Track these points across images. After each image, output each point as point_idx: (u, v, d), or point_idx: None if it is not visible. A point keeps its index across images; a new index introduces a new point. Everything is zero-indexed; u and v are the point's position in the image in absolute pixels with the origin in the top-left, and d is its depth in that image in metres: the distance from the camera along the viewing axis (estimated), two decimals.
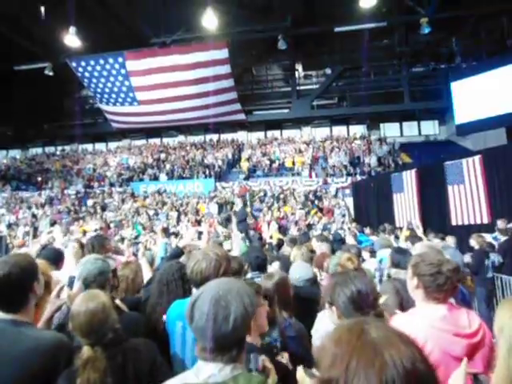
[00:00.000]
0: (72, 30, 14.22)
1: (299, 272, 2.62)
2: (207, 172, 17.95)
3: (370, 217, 12.68)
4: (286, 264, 3.36)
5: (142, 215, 14.36)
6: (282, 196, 15.42)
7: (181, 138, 23.15)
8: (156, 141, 23.42)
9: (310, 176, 16.80)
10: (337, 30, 16.01)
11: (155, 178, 18.33)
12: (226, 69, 16.38)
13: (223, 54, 15.60)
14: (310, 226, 12.84)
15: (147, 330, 2.10)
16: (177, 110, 18.06)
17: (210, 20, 14.05)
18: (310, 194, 15.33)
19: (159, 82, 16.61)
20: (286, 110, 20.90)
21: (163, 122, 19.35)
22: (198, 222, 14.03)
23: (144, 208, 15.07)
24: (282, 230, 11.94)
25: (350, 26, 15.98)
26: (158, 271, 2.64)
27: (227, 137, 22.28)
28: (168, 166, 18.90)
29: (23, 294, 1.64)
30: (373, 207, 12.69)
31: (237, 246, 4.04)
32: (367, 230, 8.73)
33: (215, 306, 1.15)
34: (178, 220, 14.06)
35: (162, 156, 20.20)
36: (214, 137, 22.49)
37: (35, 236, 13.22)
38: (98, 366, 1.58)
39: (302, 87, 21.43)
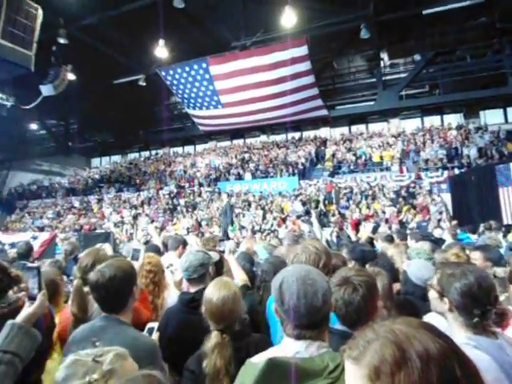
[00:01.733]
0: (161, 42, 15.28)
1: (423, 271, 2.39)
2: (290, 170, 17.95)
3: (471, 214, 11.51)
4: (388, 262, 3.15)
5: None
6: (370, 193, 14.80)
7: (263, 137, 23.49)
8: (240, 142, 24.10)
9: (401, 171, 15.81)
10: (426, 12, 14.84)
11: (240, 178, 18.87)
12: (306, 65, 16.22)
13: (303, 50, 15.46)
14: (402, 224, 12.16)
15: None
16: (259, 111, 18.39)
17: (288, 18, 13.99)
18: (401, 190, 14.47)
19: (241, 84, 17.06)
20: (371, 103, 19.97)
21: (246, 123, 19.87)
22: (283, 220, 14.15)
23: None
24: (374, 227, 11.40)
25: (440, 7, 14.70)
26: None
27: (309, 134, 22.04)
28: (252, 166, 19.31)
29: (124, 297, 1.73)
30: (474, 203, 11.51)
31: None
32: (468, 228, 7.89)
33: (303, 285, 1.24)
34: (264, 218, 14.28)
35: (246, 156, 20.70)
36: (296, 135, 22.41)
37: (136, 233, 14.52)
38: (224, 354, 1.65)
39: (388, 77, 20.27)
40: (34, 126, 26.53)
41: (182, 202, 17.90)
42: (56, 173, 28.29)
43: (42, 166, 28.71)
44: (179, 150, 25.94)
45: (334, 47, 19.17)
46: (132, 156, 27.61)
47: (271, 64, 16.03)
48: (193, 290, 2.29)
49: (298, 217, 13.87)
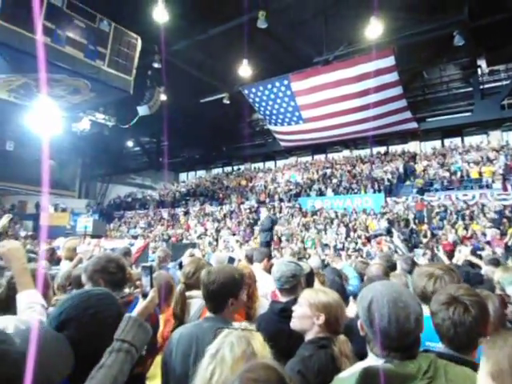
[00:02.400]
0: (245, 62, 15.75)
1: None
2: (376, 186, 17.06)
3: None
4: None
5: (310, 230, 14.51)
6: (467, 212, 13.39)
7: (346, 152, 22.82)
8: (321, 157, 23.71)
9: (505, 188, 14.08)
10: None
11: (322, 194, 18.44)
12: (392, 77, 15.43)
13: (389, 61, 14.74)
14: (508, 248, 10.77)
15: None
16: (342, 125, 17.91)
17: (373, 30, 13.45)
18: (505, 209, 12.86)
19: (323, 98, 16.80)
20: (467, 114, 18.30)
21: (328, 138, 19.47)
22: (368, 239, 13.41)
23: (313, 223, 15.23)
24: (472, 251, 10.23)
25: None
26: None
27: (396, 148, 20.85)
28: (334, 181, 18.79)
29: (228, 299, 1.85)
30: None
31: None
32: None
33: (395, 308, 1.20)
34: (347, 236, 13.68)
35: (328, 171, 20.23)
36: (382, 149, 21.36)
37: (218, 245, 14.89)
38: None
39: (486, 85, 18.45)
40: (130, 144, 29.15)
41: (262, 216, 18.01)
42: (148, 186, 30.66)
43: (136, 180, 31.36)
44: (260, 165, 26.37)
45: (423, 56, 18.01)
46: (216, 171, 28.74)
47: (355, 77, 15.56)
48: (283, 299, 2.32)
49: (376, 236, 13.04)
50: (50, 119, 13.96)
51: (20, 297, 1.66)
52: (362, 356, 1.69)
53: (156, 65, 15.57)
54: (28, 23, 9.42)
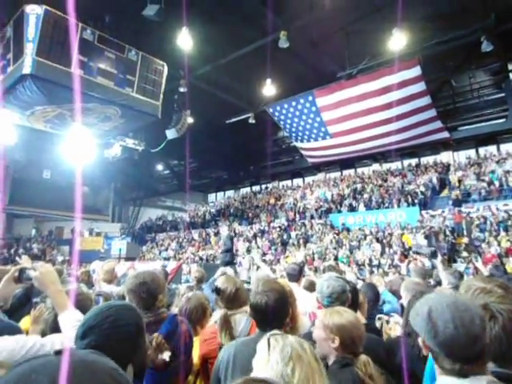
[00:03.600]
0: (268, 81, 15.90)
1: None
2: (410, 200, 16.52)
3: None
4: None
5: (343, 247, 14.14)
6: (510, 223, 12.68)
7: (375, 166, 22.37)
8: (350, 172, 23.35)
9: None
10: None
11: (353, 209, 18.04)
12: (419, 87, 15.12)
13: (415, 72, 14.48)
14: None
15: None
16: (369, 138, 17.61)
17: (397, 42, 13.29)
18: None
19: (349, 112, 16.64)
20: (501, 120, 17.59)
21: (356, 152, 19.16)
22: (405, 256, 12.89)
23: (346, 239, 14.86)
24: None
25: None
26: None
27: (428, 159, 20.24)
28: (365, 196, 18.37)
29: (284, 316, 1.94)
30: None
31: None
32: None
33: (457, 311, 1.12)
34: (383, 252, 13.22)
35: (359, 186, 19.84)
36: (413, 161, 20.79)
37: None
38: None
39: None
40: (159, 167, 29.83)
41: (293, 234, 17.77)
42: (178, 208, 31.13)
43: (166, 203, 31.93)
44: (288, 183, 26.25)
45: (450, 64, 17.59)
46: (244, 190, 28.85)
47: (380, 89, 15.35)
48: None
49: (418, 253, 12.49)
50: (83, 147, 14.52)
51: (62, 318, 1.69)
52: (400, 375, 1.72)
53: (182, 89, 15.96)
54: (62, 58, 9.93)
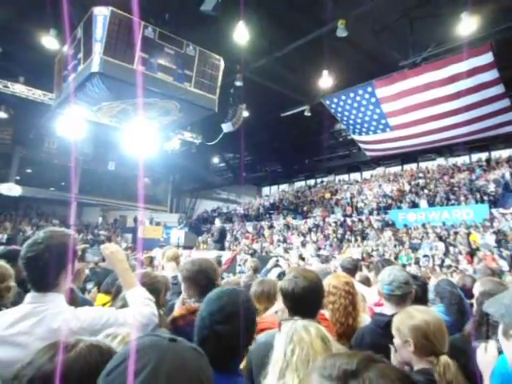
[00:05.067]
0: (325, 72, 15.47)
1: None
2: (478, 197, 15.31)
3: None
4: None
5: (404, 244, 13.49)
6: None
7: (440, 160, 21.00)
8: (412, 166, 22.16)
9: None
10: None
11: (414, 206, 17.11)
12: (491, 75, 13.80)
13: (486, 58, 13.20)
14: None
15: None
16: (434, 131, 16.50)
17: (465, 27, 12.21)
18: None
19: (412, 103, 15.67)
20: None
21: (419, 145, 18.07)
22: (471, 255, 12.00)
23: (406, 237, 14.17)
24: None
25: None
26: None
27: (501, 153, 18.59)
28: (428, 192, 17.32)
29: (318, 305, 1.95)
30: None
31: None
32: None
33: None
34: (447, 252, 12.40)
35: (421, 182, 18.76)
36: (483, 155, 19.22)
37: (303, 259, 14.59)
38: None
39: None
40: (215, 160, 30.49)
41: (348, 231, 17.28)
42: (232, 201, 31.68)
43: (221, 195, 32.65)
44: (345, 177, 25.54)
45: None
46: (298, 184, 28.58)
47: (447, 78, 14.25)
48: (389, 310, 2.18)
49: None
50: (145, 140, 15.22)
51: (130, 293, 1.78)
52: None
53: (238, 83, 16.05)
54: (126, 56, 10.40)
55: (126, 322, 1.59)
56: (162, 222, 25.69)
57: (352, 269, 3.80)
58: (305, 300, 1.86)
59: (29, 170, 25.28)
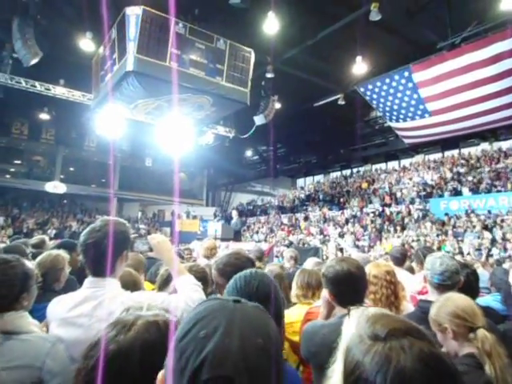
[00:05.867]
0: (358, 59, 15.03)
1: None
2: None
3: None
4: None
5: (447, 234, 13.00)
6: None
7: (484, 145, 19.97)
8: (454, 152, 21.20)
9: None
10: None
11: (457, 193, 16.40)
12: None
13: None
14: None
15: None
16: (476, 114, 15.66)
17: (511, 1, 11.41)
18: None
19: (452, 87, 14.91)
20: None
21: (461, 130, 17.22)
22: None
23: (449, 226, 13.64)
24: None
25: None
26: None
27: None
28: (471, 179, 16.54)
29: (362, 291, 1.92)
30: None
31: None
32: None
33: None
34: (493, 241, 11.83)
35: (464, 169, 17.94)
36: None
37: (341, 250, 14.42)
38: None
39: None
40: (248, 153, 30.60)
41: (386, 221, 16.85)
42: (267, 193, 31.71)
43: (256, 188, 32.77)
44: (382, 166, 24.86)
45: None
46: (334, 175, 28.17)
47: (490, 58, 13.41)
48: (436, 298, 2.08)
49: None
50: (181, 136, 15.51)
51: (179, 281, 1.84)
52: None
53: (269, 75, 15.95)
54: (159, 53, 10.60)
55: (177, 306, 1.65)
56: (199, 216, 26.17)
57: (400, 258, 3.74)
58: (353, 283, 1.85)
59: (71, 169, 26.52)
